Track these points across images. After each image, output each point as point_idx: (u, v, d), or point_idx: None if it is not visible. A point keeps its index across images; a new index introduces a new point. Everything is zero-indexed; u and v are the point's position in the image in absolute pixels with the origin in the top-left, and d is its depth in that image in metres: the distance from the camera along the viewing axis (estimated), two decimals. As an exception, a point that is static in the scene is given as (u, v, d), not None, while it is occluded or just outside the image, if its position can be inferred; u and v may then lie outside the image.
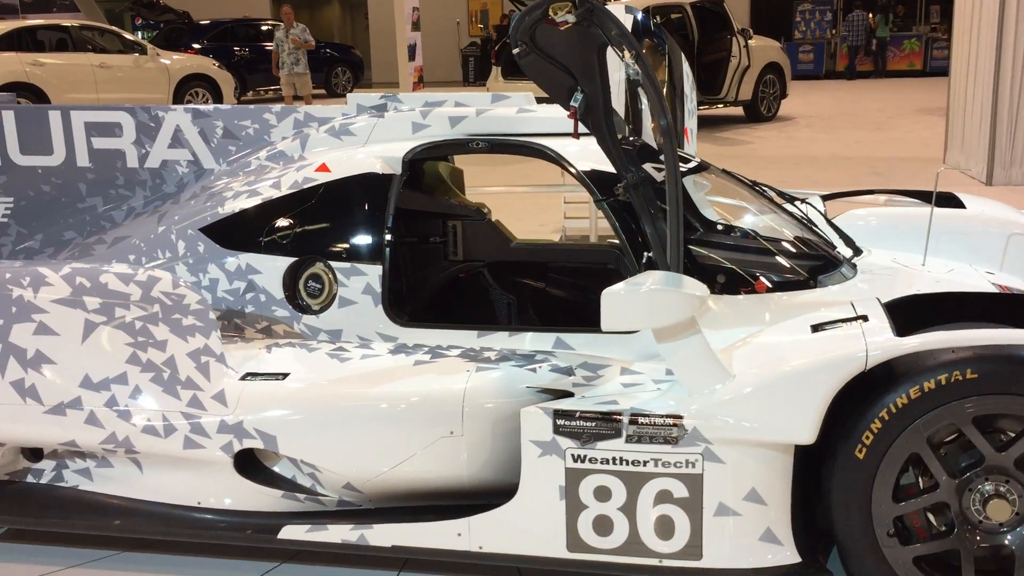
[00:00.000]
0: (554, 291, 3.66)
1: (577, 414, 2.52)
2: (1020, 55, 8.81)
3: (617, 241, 3.69)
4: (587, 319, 3.43)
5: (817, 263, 3.07)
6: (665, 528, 2.52)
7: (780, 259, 3.05)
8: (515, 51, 2.79)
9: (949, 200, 3.89)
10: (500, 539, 2.63)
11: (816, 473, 2.56)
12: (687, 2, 14.36)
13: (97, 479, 2.97)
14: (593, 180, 3.10)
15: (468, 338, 3.03)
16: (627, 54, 2.46)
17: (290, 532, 2.75)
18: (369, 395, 2.74)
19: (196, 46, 21.28)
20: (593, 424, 2.51)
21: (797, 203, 3.61)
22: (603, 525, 2.55)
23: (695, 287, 2.44)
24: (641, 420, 2.48)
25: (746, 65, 13.85)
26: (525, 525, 2.61)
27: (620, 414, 2.50)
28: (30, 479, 3.03)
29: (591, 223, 6.53)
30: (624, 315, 2.42)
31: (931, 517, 2.47)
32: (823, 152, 11.42)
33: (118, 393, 2.83)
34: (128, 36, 17.45)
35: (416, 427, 2.68)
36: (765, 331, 2.70)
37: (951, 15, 26.26)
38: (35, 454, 3.03)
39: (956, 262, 3.40)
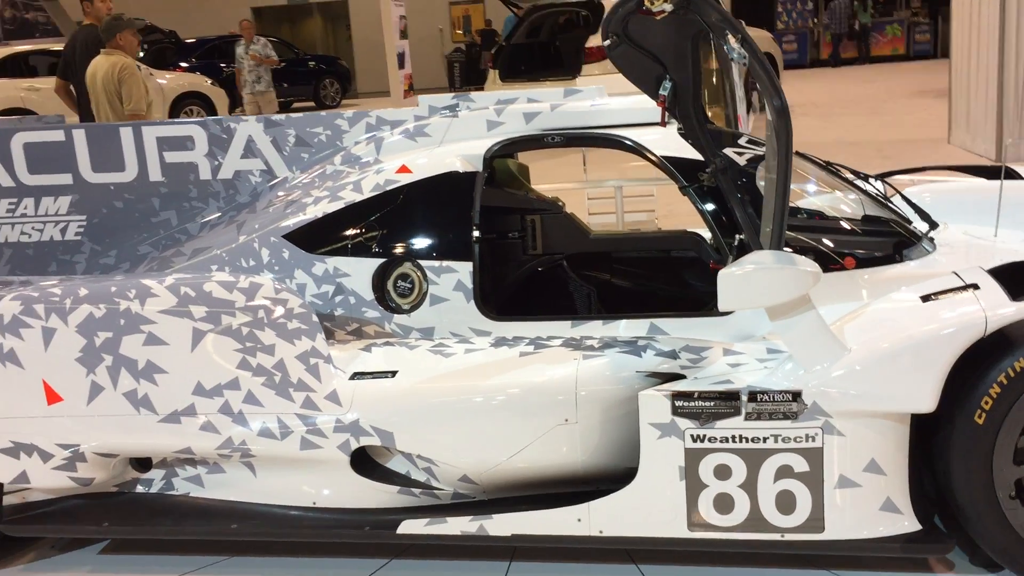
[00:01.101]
0: (635, 279, 3.72)
1: (695, 395, 2.58)
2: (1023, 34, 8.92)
3: (688, 228, 3.78)
4: (671, 305, 3.50)
5: (900, 238, 3.14)
6: (786, 503, 2.58)
7: (865, 236, 3.11)
8: (606, 43, 2.85)
9: (1008, 174, 3.96)
10: (620, 522, 2.69)
11: (927, 441, 2.62)
12: (679, -3, 14.47)
13: (209, 485, 3.01)
14: (675, 167, 3.15)
15: (562, 328, 3.08)
16: (731, 38, 2.51)
17: (409, 527, 2.79)
18: (482, 387, 2.78)
19: (184, 64, 21.24)
20: (712, 404, 2.57)
21: (871, 180, 3.68)
22: (724, 503, 2.61)
23: (808, 264, 2.50)
24: (760, 397, 2.54)
25: (743, 57, 13.93)
26: (645, 507, 2.66)
27: (738, 392, 2.56)
28: (139, 489, 3.07)
29: (617, 217, 6.58)
30: (742, 294, 2.48)
31: None
32: (828, 138, 11.52)
33: (231, 398, 2.86)
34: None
35: (531, 416, 2.73)
36: (872, 304, 2.76)
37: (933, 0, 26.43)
38: (143, 464, 3.07)
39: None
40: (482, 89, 22.04)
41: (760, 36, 15.52)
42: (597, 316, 3.09)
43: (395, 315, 3.22)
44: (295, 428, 2.83)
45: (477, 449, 2.76)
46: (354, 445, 2.81)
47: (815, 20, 25.61)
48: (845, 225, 3.13)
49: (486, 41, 26.40)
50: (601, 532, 2.70)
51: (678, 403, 2.58)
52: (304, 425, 2.83)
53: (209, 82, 18.15)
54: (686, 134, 3.03)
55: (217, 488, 3.00)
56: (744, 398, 2.55)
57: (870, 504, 2.56)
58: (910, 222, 3.34)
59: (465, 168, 3.28)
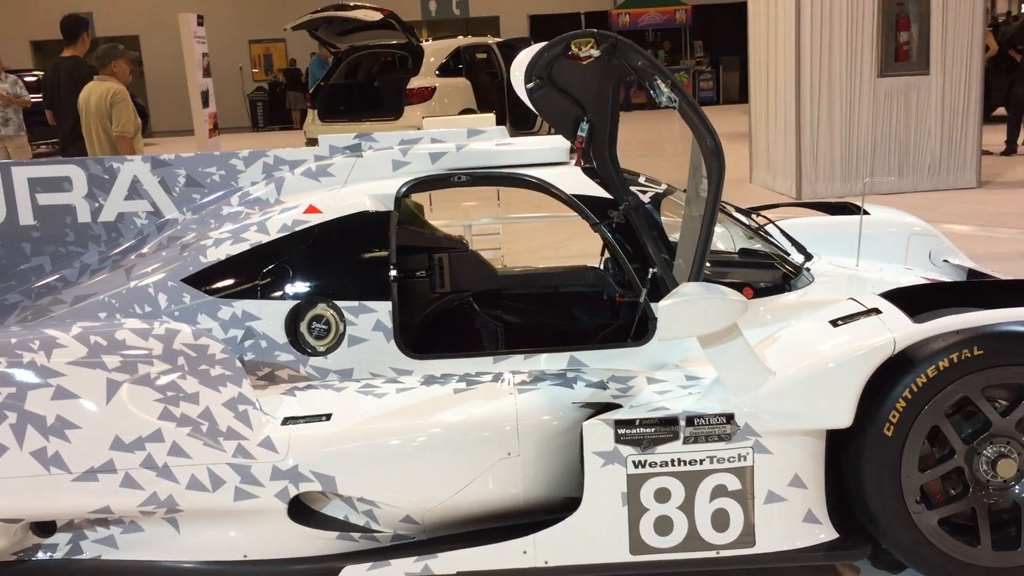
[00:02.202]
0: (541, 315, 3.81)
1: (637, 422, 2.69)
2: (816, 82, 9.76)
3: (590, 264, 3.91)
4: (576, 338, 3.61)
5: (785, 269, 3.39)
6: (721, 520, 2.72)
7: (756, 268, 3.34)
8: (528, 85, 2.94)
9: (849, 209, 4.35)
10: (565, 551, 2.75)
11: (838, 455, 2.84)
12: (492, 42, 14.89)
13: (124, 546, 2.84)
14: (585, 204, 3.27)
15: (483, 364, 3.13)
16: (660, 83, 2.66)
17: (351, 572, 2.74)
18: (423, 426, 2.78)
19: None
20: (652, 430, 2.69)
21: (753, 216, 3.94)
22: (664, 525, 2.73)
23: (735, 294, 2.67)
24: (697, 421, 2.68)
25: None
26: (589, 534, 2.74)
27: (676, 418, 2.69)
28: (41, 556, 2.85)
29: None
30: (680, 324, 2.62)
31: (944, 483, 2.81)
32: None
33: (154, 451, 2.72)
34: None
35: (475, 452, 2.76)
36: (783, 330, 2.97)
37: (713, 49, 28.27)
38: (45, 528, 2.85)
39: (878, 262, 3.82)
40: (291, 129, 21.64)
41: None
42: (519, 351, 3.15)
43: (311, 357, 3.17)
44: (228, 478, 2.72)
45: (421, 488, 2.76)
46: (292, 492, 2.73)
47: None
48: (737, 258, 3.35)
49: (291, 81, 26.08)
50: (547, 563, 2.75)
51: (620, 431, 2.68)
52: (237, 475, 2.73)
53: (-6, 119, 16.96)
54: (599, 173, 3.16)
55: (134, 548, 2.83)
56: (682, 423, 2.68)
57: (795, 516, 2.75)
58: (788, 254, 3.62)
59: (376, 207, 3.28)
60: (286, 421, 2.83)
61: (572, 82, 2.91)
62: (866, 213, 4.30)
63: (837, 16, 9.61)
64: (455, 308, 3.68)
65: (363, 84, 14.79)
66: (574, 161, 3.32)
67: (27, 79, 21.78)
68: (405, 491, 2.76)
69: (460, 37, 15.19)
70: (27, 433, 2.69)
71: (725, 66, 26.64)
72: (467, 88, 13.78)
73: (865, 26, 9.65)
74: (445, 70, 13.71)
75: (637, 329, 3.17)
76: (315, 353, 3.17)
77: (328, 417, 2.83)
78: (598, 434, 2.69)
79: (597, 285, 3.69)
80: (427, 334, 3.59)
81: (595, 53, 2.75)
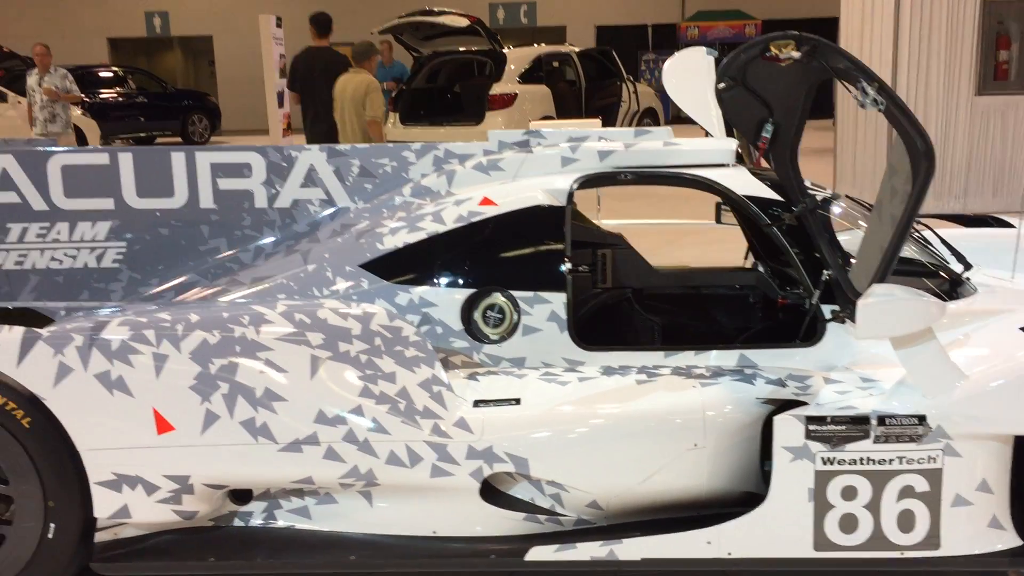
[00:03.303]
0: (698, 313, 3.86)
1: (828, 419, 2.73)
2: (912, 100, 9.70)
3: (746, 265, 3.96)
4: (733, 338, 3.66)
5: (952, 278, 3.42)
6: (906, 522, 2.76)
7: (928, 276, 3.37)
8: (720, 85, 3.01)
9: (997, 222, 4.36)
10: (749, 544, 2.80)
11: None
12: (573, 51, 14.98)
13: (317, 517, 2.94)
14: (757, 206, 3.33)
15: (654, 358, 3.19)
16: (867, 84, 2.71)
17: (538, 553, 2.81)
18: (613, 414, 2.85)
19: (44, 92, 20.26)
20: (843, 427, 2.73)
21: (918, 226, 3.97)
22: (849, 523, 2.77)
23: (933, 298, 2.71)
24: (888, 421, 2.72)
25: (636, 110, 14.54)
26: (774, 528, 2.79)
27: (868, 416, 2.73)
28: (237, 523, 2.96)
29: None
30: (880, 323, 2.67)
31: None
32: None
33: (355, 426, 2.82)
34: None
35: (664, 441, 2.82)
36: (971, 335, 3.00)
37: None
38: (240, 497, 2.97)
39: None
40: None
41: (645, 91, 16.23)
42: (689, 347, 3.21)
43: (484, 345, 3.25)
44: (425, 456, 2.81)
45: (610, 475, 2.83)
46: (486, 472, 2.82)
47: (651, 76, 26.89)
48: (913, 267, 3.38)
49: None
50: (730, 554, 2.80)
51: (811, 427, 2.73)
52: (435, 452, 2.82)
53: (81, 112, 17.42)
54: (778, 175, 3.21)
55: (327, 519, 2.94)
56: (874, 422, 2.72)
57: (980, 521, 2.77)
58: (948, 263, 3.64)
59: (551, 201, 3.36)
60: (477, 403, 2.91)
61: (764, 83, 2.97)
62: (1011, 226, 4.31)
63: (936, 34, 9.56)
64: (615, 303, 3.75)
65: (444, 89, 14.94)
66: (754, 161, 3.38)
67: (103, 74, 22.48)
68: (595, 477, 2.83)
69: (539, 45, 15.32)
70: (237, 403, 2.80)
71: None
72: (547, 95, 13.86)
73: (964, 44, 9.59)
74: (526, 77, 13.81)
75: (807, 330, 3.21)
76: (488, 341, 3.25)
77: (518, 401, 2.91)
78: (789, 429, 2.74)
79: (758, 286, 3.74)
80: (589, 327, 3.67)
81: (795, 55, 2.80)
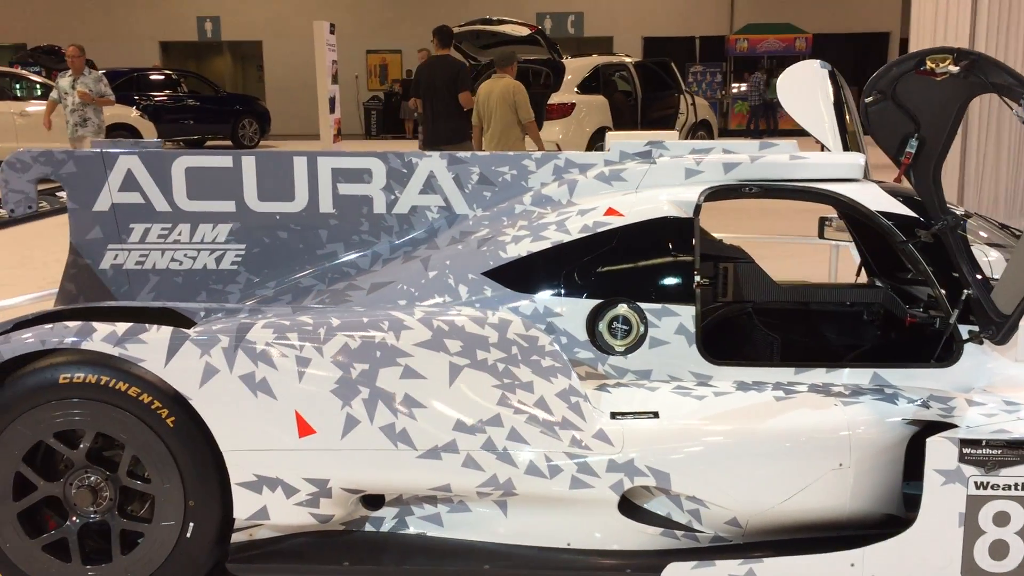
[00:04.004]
0: (824, 329, 3.82)
1: (983, 442, 2.68)
2: (985, 114, 9.59)
3: (866, 280, 3.91)
4: (860, 356, 3.60)
5: None
6: None
7: None
8: (868, 99, 2.97)
9: None
10: (893, 568, 2.75)
11: None
12: (629, 61, 14.96)
13: (449, 525, 2.93)
14: (892, 222, 3.27)
15: (785, 375, 3.15)
16: None
17: (675, 570, 2.78)
18: (756, 430, 2.82)
19: (99, 95, 20.55)
20: (999, 451, 2.67)
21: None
22: (999, 549, 2.71)
23: None
24: None
25: (694, 121, 14.49)
26: (921, 552, 2.73)
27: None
28: (368, 528, 2.95)
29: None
30: None
31: None
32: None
33: (494, 435, 2.81)
34: (47, 83, 16.76)
35: (809, 459, 2.78)
36: None
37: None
38: (372, 502, 2.96)
39: None
40: (404, 138, 21.90)
41: (700, 103, 16.16)
42: (821, 364, 3.16)
43: (610, 356, 3.22)
44: (565, 467, 2.79)
45: (753, 492, 2.79)
46: (627, 486, 2.79)
47: (723, 92, 26.75)
48: None
49: (406, 91, 26.53)
50: None
51: (965, 450, 2.68)
52: (574, 464, 2.79)
53: (138, 114, 17.64)
54: (919, 190, 3.17)
55: (459, 528, 2.92)
56: None
57: None
58: None
59: (678, 213, 3.33)
60: (614, 415, 2.89)
61: (914, 98, 2.93)
62: None
63: (1013, 46, 9.44)
64: (734, 317, 3.72)
65: (501, 97, 14.95)
66: (894, 177, 3.33)
67: (154, 77, 22.73)
68: (737, 494, 2.79)
69: (595, 56, 15.30)
70: (377, 408, 2.80)
71: (843, 97, 26.30)
72: (604, 106, 13.85)
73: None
74: (584, 87, 13.81)
75: (942, 350, 3.16)
76: (614, 352, 3.22)
77: (656, 415, 2.89)
78: (941, 452, 2.69)
79: (885, 304, 3.68)
80: (712, 341, 3.63)
81: (953, 70, 2.76)
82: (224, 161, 3.61)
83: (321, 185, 3.62)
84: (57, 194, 4.10)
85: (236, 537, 2.89)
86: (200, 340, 2.79)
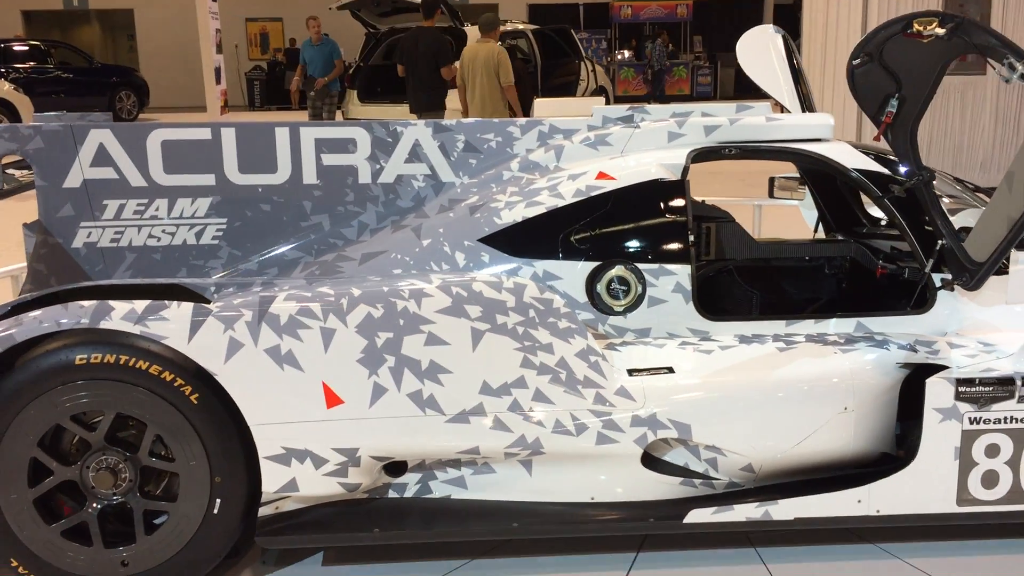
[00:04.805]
0: (801, 283, 3.98)
1: (976, 381, 2.88)
2: None
3: (836, 236, 4.10)
4: (838, 308, 3.79)
5: None
6: None
7: None
8: (855, 62, 3.12)
9: None
10: (897, 501, 2.94)
11: None
12: (529, 28, 15.01)
13: (473, 487, 2.97)
14: (869, 179, 3.45)
15: (776, 327, 3.30)
16: (1015, 60, 2.85)
17: (696, 516, 2.90)
18: (768, 380, 2.95)
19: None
20: (990, 389, 2.89)
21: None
22: (990, 479, 2.93)
23: None
24: None
25: (594, 88, 14.66)
26: (921, 486, 2.93)
27: (1013, 378, 2.89)
28: (392, 494, 2.98)
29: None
30: None
31: None
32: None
33: (520, 397, 2.86)
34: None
35: (818, 405, 2.94)
36: None
37: (712, 45, 28.65)
38: (394, 469, 2.98)
39: None
40: (290, 109, 21.51)
41: (598, 70, 16.36)
42: (809, 316, 3.32)
43: (609, 317, 3.31)
44: (591, 424, 2.87)
45: (768, 438, 2.93)
46: (650, 439, 2.89)
47: (608, 59, 27.09)
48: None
49: (291, 61, 25.90)
50: (878, 511, 2.94)
51: (960, 388, 2.88)
52: (600, 421, 2.88)
53: (12, 87, 16.76)
54: (895, 148, 3.34)
55: (484, 489, 2.97)
56: (1019, 383, 2.88)
57: None
58: None
59: (668, 176, 3.43)
60: (631, 372, 2.98)
61: (899, 59, 3.09)
62: None
63: (903, 8, 9.91)
64: (715, 275, 3.85)
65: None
66: (873, 135, 3.49)
67: (19, 48, 21.60)
68: (753, 441, 2.93)
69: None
70: (404, 376, 2.82)
71: (723, 62, 26.99)
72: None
73: (928, 27, 9.96)
74: (486, 55, 13.78)
75: (917, 298, 3.36)
76: (613, 312, 3.31)
77: (671, 370, 2.99)
78: (938, 391, 2.88)
79: (857, 257, 3.87)
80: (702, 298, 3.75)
81: (939, 32, 2.93)
82: (203, 133, 3.52)
83: (304, 156, 3.57)
84: (8, 171, 3.94)
85: (262, 511, 2.87)
86: (223, 315, 2.75)
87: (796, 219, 5.04)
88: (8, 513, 2.73)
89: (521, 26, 15.26)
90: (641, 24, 27.55)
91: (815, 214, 4.64)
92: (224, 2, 26.21)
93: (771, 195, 5.04)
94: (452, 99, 13.07)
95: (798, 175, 4.93)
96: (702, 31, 27.76)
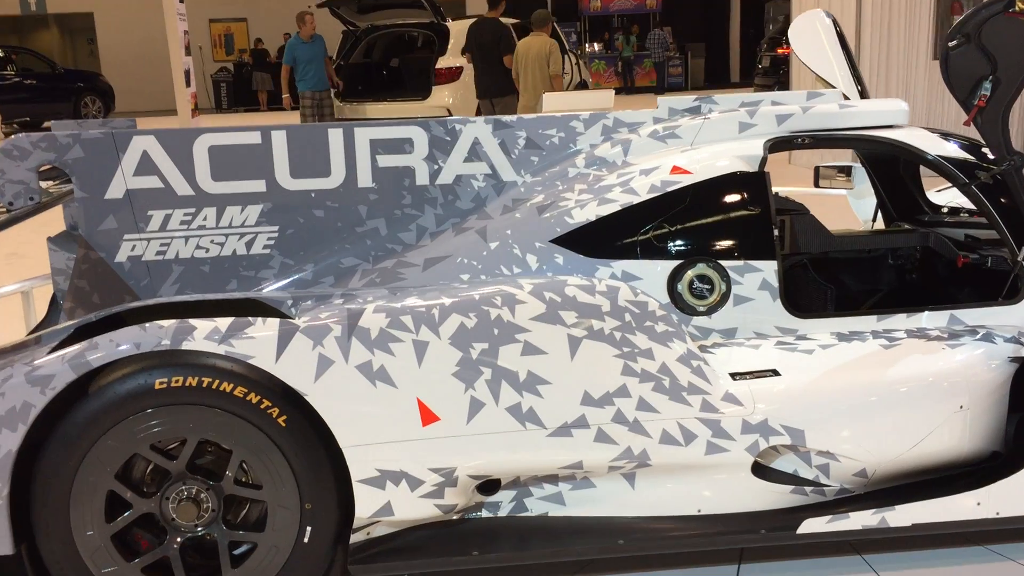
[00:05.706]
0: (880, 276, 3.84)
1: None
2: (875, 64, 9.99)
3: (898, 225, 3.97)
4: (912, 300, 3.67)
5: None
6: None
7: None
8: (952, 43, 2.99)
9: None
10: (1017, 503, 2.81)
11: None
12: (510, 23, 14.82)
13: (572, 503, 2.81)
14: (953, 166, 3.32)
15: (868, 323, 3.16)
16: None
17: (811, 525, 2.76)
18: (883, 379, 2.81)
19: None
20: None
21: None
22: None
23: None
24: None
25: (578, 80, 14.50)
26: None
27: None
28: (484, 514, 2.80)
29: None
30: None
31: None
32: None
33: (623, 407, 2.70)
34: None
35: (935, 404, 2.80)
36: None
37: (681, 36, 28.72)
38: (487, 488, 2.80)
39: None
40: (258, 111, 21.08)
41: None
42: (901, 310, 3.19)
43: (693, 317, 3.16)
44: (699, 433, 2.72)
45: (883, 442, 2.79)
46: (762, 446, 2.74)
47: (579, 50, 26.99)
48: None
49: (257, 61, 25.51)
50: (998, 514, 2.81)
51: None
52: (708, 429, 2.72)
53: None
54: (986, 132, 3.21)
55: (584, 505, 2.80)
56: None
57: None
58: None
59: (747, 168, 3.28)
60: (734, 376, 2.83)
61: (996, 41, 2.96)
62: None
63: (896, 1, 9.87)
64: (790, 269, 3.70)
65: (382, 64, 14.58)
66: (963, 120, 3.36)
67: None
68: (868, 444, 2.79)
69: (480, 17, 15.10)
70: (502, 389, 2.64)
71: (693, 53, 27.00)
72: (492, 67, 13.70)
73: (922, 11, 9.92)
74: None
75: (1009, 289, 3.24)
76: (696, 313, 3.15)
77: (775, 372, 2.84)
78: None
79: (938, 248, 3.74)
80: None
81: None
82: (252, 137, 3.32)
83: (359, 158, 3.39)
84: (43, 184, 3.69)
85: (353, 538, 2.68)
86: (311, 330, 2.56)
87: (834, 209, 4.91)
88: (84, 551, 2.52)
89: (504, 20, 15.05)
90: (610, 16, 27.47)
91: (864, 203, 4.52)
92: (187, 3, 25.87)
93: (816, 184, 4.90)
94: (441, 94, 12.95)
95: (838, 165, 4.82)
96: (671, 22, 27.73)
